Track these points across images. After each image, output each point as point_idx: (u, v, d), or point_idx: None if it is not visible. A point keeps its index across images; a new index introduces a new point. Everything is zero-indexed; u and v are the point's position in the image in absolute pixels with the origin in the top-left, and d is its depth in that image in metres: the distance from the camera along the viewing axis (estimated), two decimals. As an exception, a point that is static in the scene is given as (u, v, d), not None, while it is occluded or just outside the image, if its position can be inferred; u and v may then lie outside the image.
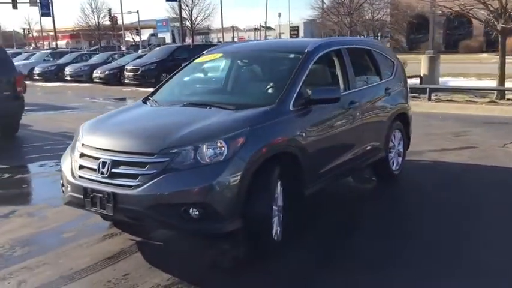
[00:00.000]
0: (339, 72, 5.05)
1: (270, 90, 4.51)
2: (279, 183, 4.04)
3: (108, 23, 51.90)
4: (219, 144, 3.62)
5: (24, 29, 69.24)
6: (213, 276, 3.73)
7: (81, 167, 3.92)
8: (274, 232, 3.95)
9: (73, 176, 3.93)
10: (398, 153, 6.06)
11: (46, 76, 24.20)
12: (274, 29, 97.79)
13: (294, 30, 78.72)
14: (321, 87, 4.46)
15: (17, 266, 3.88)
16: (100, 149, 3.87)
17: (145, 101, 4.84)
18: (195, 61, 5.31)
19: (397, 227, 4.62)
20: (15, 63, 25.68)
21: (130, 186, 3.58)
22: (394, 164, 5.99)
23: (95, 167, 3.79)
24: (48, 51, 29.61)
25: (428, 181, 5.99)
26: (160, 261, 3.95)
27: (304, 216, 4.73)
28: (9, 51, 33.11)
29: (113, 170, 3.69)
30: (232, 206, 3.60)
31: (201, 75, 5.28)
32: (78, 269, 3.81)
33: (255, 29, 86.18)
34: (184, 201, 3.51)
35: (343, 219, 4.81)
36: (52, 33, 53.23)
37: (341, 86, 4.98)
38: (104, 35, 54.13)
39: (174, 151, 3.59)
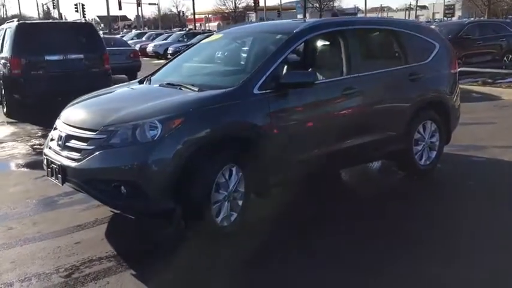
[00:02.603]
0: (336, 55, 4.66)
1: (239, 72, 4.35)
2: (234, 169, 3.92)
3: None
4: (152, 124, 3.62)
5: (179, 12, 74.99)
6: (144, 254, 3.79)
7: (51, 139, 4.23)
8: (220, 217, 3.86)
9: (46, 147, 4.27)
10: (430, 146, 5.41)
11: (177, 55, 25.79)
12: (427, 8, 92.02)
13: (449, 10, 73.06)
14: (296, 70, 4.18)
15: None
16: (64, 123, 4.13)
17: (141, 80, 5.00)
18: (201, 42, 5.32)
19: (390, 231, 4.18)
20: (156, 43, 28.21)
21: (74, 160, 3.78)
22: (423, 159, 5.35)
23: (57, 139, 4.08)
24: (183, 32, 31.57)
25: (471, 182, 5.26)
26: (116, 234, 4.14)
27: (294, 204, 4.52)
28: (157, 32, 36.27)
29: (66, 144, 3.92)
30: (161, 186, 3.58)
31: (199, 55, 5.26)
32: (43, 232, 4.16)
33: (406, 9, 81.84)
34: (114, 177, 3.60)
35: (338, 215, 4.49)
36: (204, 16, 56.73)
37: (338, 69, 4.60)
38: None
39: (111, 129, 3.68)
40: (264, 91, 4.05)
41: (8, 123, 9.26)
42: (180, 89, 4.26)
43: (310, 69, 4.36)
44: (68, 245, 3.92)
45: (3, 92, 9.84)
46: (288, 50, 4.31)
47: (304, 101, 4.28)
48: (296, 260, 3.61)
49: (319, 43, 4.70)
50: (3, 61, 9.69)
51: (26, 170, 6.17)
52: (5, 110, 9.86)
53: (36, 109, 9.45)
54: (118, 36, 29.65)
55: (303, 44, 4.77)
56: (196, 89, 4.11)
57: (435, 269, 3.42)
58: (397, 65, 5.15)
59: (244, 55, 4.99)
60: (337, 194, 5.05)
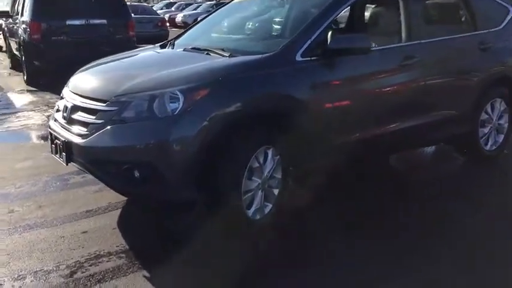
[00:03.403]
0: (394, 18, 3.88)
1: (281, 36, 3.63)
2: (270, 151, 3.26)
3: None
4: (173, 95, 2.96)
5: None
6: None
7: (57, 110, 3.63)
8: (252, 210, 3.22)
9: (51, 119, 3.67)
10: (498, 129, 4.63)
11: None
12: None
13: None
14: (346, 34, 3.45)
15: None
16: (71, 92, 3.51)
17: (163, 44, 4.33)
18: (233, 2, 4.60)
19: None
20: (185, 13, 27.48)
21: (80, 136, 3.16)
22: (489, 143, 4.59)
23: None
24: (213, 2, 30.65)
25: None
26: (131, 224, 3.55)
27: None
28: (187, 2, 35.46)
29: (72, 116, 3.31)
30: (182, 171, 2.94)
31: (230, 17, 4.54)
32: (47, 218, 3.60)
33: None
34: (125, 158, 2.97)
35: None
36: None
37: (396, 35, 3.84)
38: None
39: (123, 99, 3.04)
40: (309, 58, 3.35)
41: (28, 91, 8.75)
42: (207, 54, 3.58)
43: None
44: (73, 234, 3.35)
45: (23, 59, 9.34)
46: (337, 10, 3.57)
47: (356, 71, 3.56)
48: (345, 260, 2.96)
49: (373, 2, 3.93)
50: (23, 26, 9.14)
51: (39, 142, 5.63)
52: (25, 77, 9.37)
53: (58, 77, 8.89)
54: (146, 4, 29.01)
55: (353, 3, 4.00)
56: (227, 55, 3.42)
57: None
58: (465, 31, 4.36)
59: (283, 17, 4.24)
60: (387, 183, 4.33)
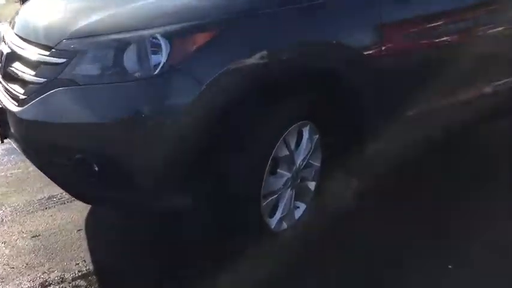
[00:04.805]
0: None
1: None
2: (306, 129, 2.14)
3: None
4: (154, 41, 1.79)
5: None
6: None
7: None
8: (277, 218, 2.14)
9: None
10: None
11: None
12: None
13: None
14: None
15: None
16: (15, 33, 2.35)
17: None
18: None
19: None
20: None
21: (17, 101, 2.05)
22: None
23: (-1, 60, 2.33)
24: None
25: None
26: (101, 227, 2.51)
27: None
28: None
29: (8, 70, 2.19)
30: (168, 166, 1.83)
31: None
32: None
33: None
34: (76, 144, 1.86)
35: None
36: None
37: None
38: None
39: (75, 46, 1.89)
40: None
41: None
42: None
43: None
44: (18, 239, 2.34)
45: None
46: None
47: (444, 5, 2.32)
48: None
49: None
50: None
51: None
52: None
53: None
54: None
55: None
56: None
57: None
58: None
59: None
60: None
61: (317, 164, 2.28)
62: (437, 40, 2.36)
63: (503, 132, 3.41)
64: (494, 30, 2.58)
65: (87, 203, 2.26)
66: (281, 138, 2.01)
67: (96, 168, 1.84)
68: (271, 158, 1.98)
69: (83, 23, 1.94)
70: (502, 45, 2.62)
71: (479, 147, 3.34)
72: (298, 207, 2.27)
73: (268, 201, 2.06)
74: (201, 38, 1.79)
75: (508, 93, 2.80)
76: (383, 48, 2.12)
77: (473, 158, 3.15)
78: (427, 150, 2.79)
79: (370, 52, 2.11)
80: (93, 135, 1.81)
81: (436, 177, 2.88)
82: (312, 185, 2.30)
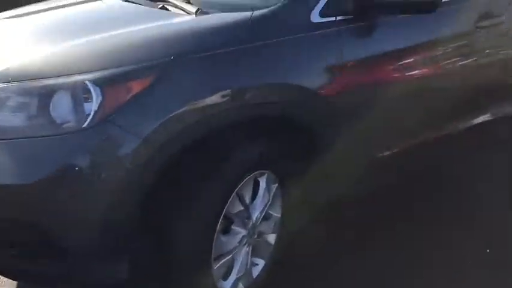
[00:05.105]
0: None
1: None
2: (263, 178, 1.93)
3: None
4: (84, 88, 1.56)
5: None
6: None
7: None
8: (232, 280, 1.91)
9: None
10: None
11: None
12: None
13: None
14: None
15: None
16: None
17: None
18: None
19: None
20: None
21: None
22: None
23: None
24: None
25: None
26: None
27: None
28: None
29: None
30: (98, 233, 1.58)
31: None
32: None
33: None
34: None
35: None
36: None
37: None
38: None
39: (-2, 93, 1.65)
40: (333, 18, 1.94)
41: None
42: (162, 8, 2.14)
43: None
44: None
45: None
46: None
47: (411, 40, 2.16)
48: None
49: None
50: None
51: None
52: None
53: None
54: None
55: None
56: (193, 11, 1.99)
57: None
58: None
59: None
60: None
61: (277, 214, 2.06)
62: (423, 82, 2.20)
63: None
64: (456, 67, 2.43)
65: (12, 279, 1.97)
66: (233, 193, 1.78)
67: (17, 238, 1.58)
68: (222, 216, 1.75)
69: (4, 65, 1.70)
70: (463, 82, 2.47)
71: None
72: (257, 264, 2.05)
73: (220, 263, 1.82)
74: (137, 85, 1.57)
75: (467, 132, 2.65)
76: (340, 88, 1.94)
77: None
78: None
79: (327, 92, 1.92)
80: (9, 199, 1.56)
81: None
82: (271, 237, 2.08)
